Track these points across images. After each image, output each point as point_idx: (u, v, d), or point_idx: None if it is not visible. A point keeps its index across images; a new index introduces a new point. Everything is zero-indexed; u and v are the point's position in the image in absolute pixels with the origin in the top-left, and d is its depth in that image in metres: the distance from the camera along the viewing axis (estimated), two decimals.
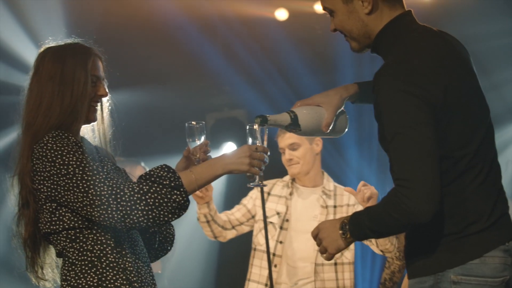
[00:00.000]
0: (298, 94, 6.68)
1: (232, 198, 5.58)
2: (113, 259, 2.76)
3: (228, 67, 7.05)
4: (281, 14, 6.90)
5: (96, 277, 2.73)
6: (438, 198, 2.47)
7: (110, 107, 3.06)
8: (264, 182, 4.76)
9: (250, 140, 2.93)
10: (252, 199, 4.77)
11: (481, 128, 2.63)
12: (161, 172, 2.72)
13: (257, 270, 4.66)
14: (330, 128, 2.96)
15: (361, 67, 6.39)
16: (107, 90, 2.98)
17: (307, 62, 7.00)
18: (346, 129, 3.07)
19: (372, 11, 2.71)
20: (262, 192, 4.42)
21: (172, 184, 2.70)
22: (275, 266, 4.56)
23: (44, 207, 2.77)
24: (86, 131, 3.05)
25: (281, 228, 4.62)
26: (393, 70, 2.57)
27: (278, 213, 4.66)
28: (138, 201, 2.65)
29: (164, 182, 2.69)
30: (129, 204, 2.64)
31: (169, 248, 3.16)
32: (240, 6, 6.68)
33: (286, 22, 6.90)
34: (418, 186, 2.45)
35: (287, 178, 4.77)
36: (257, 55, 6.99)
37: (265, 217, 4.36)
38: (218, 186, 7.01)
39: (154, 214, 2.66)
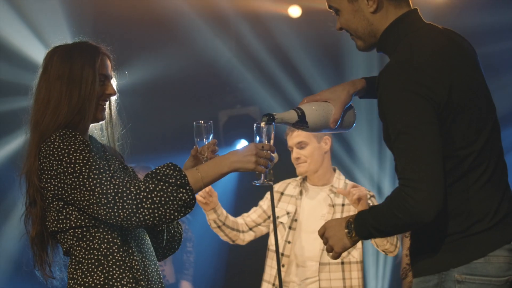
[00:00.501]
0: (311, 91, 6.67)
1: (243, 199, 5.58)
2: (119, 258, 2.78)
3: (241, 64, 7.05)
4: (295, 11, 6.89)
5: (102, 276, 2.74)
6: (442, 198, 2.46)
7: (118, 107, 3.07)
8: (280, 182, 4.80)
9: (257, 139, 2.93)
10: (268, 200, 4.77)
11: (486, 126, 2.61)
12: (167, 171, 2.73)
13: (269, 269, 4.68)
14: (338, 123, 2.96)
15: (373, 64, 6.37)
16: (115, 89, 2.99)
17: (320, 59, 6.98)
18: (354, 124, 3.06)
19: (377, 10, 2.70)
20: (271, 191, 4.42)
21: (178, 182, 2.71)
22: (283, 266, 4.56)
23: (51, 205, 2.79)
24: (95, 129, 3.06)
25: (290, 228, 4.62)
26: (397, 69, 2.56)
27: (288, 213, 4.66)
28: (144, 200, 2.66)
29: (170, 181, 2.70)
30: (135, 202, 2.66)
31: (177, 247, 3.17)
32: (253, 3, 6.68)
33: (300, 19, 6.89)
34: (422, 185, 2.44)
35: (299, 177, 4.77)
36: (270, 52, 6.99)
37: (274, 217, 4.36)
38: (230, 187, 7.02)
39: (160, 212, 2.67)
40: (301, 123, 2.94)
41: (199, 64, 6.95)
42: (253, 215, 4.79)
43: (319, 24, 6.79)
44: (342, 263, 4.50)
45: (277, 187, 4.81)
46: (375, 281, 6.52)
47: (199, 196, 4.47)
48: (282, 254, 4.59)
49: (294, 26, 6.91)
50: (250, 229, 4.76)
